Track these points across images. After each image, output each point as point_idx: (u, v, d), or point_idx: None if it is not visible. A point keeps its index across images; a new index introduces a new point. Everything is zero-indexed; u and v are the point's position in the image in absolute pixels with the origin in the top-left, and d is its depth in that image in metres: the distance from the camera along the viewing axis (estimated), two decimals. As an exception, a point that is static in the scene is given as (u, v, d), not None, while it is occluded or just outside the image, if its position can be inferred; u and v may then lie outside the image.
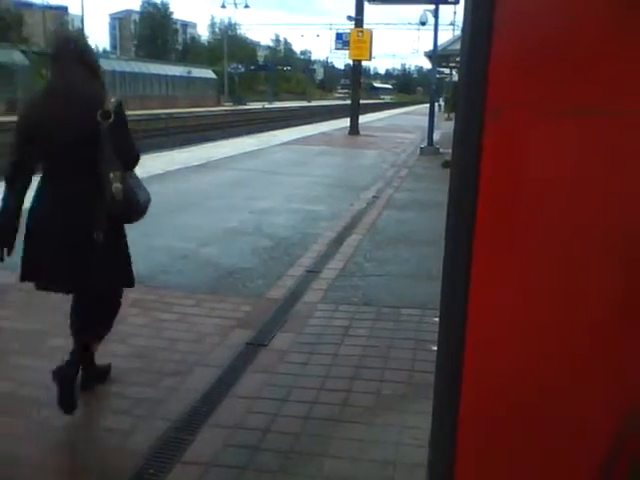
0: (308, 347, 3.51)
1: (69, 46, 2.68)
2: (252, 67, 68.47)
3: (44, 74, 35.14)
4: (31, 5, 63.71)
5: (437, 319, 3.74)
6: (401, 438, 2.61)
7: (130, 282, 2.95)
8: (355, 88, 22.10)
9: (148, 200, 2.82)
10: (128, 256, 2.91)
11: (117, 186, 2.55)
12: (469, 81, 1.31)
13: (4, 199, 2.68)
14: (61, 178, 2.66)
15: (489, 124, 1.29)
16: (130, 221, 2.82)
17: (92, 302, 2.89)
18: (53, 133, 2.57)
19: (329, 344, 3.56)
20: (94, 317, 2.91)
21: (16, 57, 30.36)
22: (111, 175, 2.55)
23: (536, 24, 1.25)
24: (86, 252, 2.63)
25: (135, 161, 2.82)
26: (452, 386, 1.47)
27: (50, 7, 53.89)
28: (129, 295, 4.24)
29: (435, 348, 3.22)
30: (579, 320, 1.35)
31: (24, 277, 2.76)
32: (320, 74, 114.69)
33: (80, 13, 43.58)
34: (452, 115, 28.90)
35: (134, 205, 2.69)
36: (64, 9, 73.08)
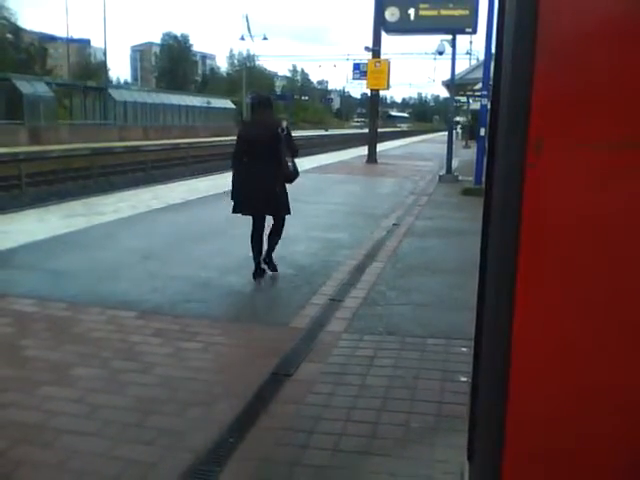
0: (334, 377, 3.47)
1: (262, 100, 5.83)
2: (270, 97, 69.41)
3: (66, 105, 36.03)
4: (55, 38, 65.55)
5: (465, 349, 3.70)
6: (432, 472, 2.54)
7: (289, 211, 5.73)
8: (373, 117, 22.25)
9: (298, 173, 5.75)
10: (288, 199, 5.66)
11: (290, 164, 5.53)
12: (511, 113, 1.30)
13: (234, 173, 5.59)
14: (253, 162, 5.43)
15: (531, 155, 1.28)
16: (291, 182, 5.68)
17: (277, 223, 5.71)
18: (253, 141, 5.44)
19: (355, 374, 3.52)
20: (278, 231, 5.74)
21: (40, 88, 31.06)
22: (287, 159, 5.49)
23: (579, 56, 1.24)
24: (271, 196, 5.50)
25: (296, 152, 5.75)
26: (495, 422, 1.43)
27: (73, 40, 55.31)
28: (153, 325, 4.27)
29: (464, 379, 3.17)
30: (622, 349, 1.32)
31: (234, 211, 5.62)
32: (337, 103, 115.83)
33: (103, 46, 44.61)
34: (470, 142, 28.96)
35: (295, 173, 5.65)
36: (87, 42, 75.00)
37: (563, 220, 1.32)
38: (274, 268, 5.71)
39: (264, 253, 5.65)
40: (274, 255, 5.74)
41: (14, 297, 4.78)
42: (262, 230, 5.69)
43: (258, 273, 5.57)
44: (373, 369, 3.61)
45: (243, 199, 5.52)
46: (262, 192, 5.45)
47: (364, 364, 3.67)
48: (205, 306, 4.76)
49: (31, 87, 30.31)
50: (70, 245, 6.76)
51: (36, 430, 2.86)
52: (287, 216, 5.74)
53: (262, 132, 5.44)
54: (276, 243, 5.70)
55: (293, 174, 5.61)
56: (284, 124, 5.59)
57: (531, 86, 1.25)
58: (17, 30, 51.11)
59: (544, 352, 1.38)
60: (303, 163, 19.27)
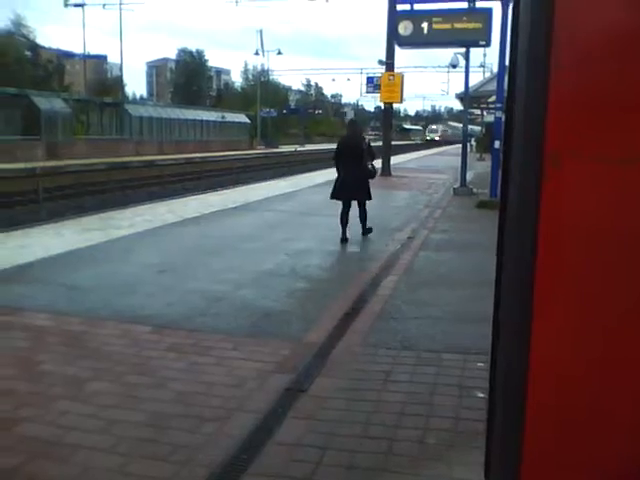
0: (348, 393, 3.44)
1: (353, 123, 10.24)
2: (284, 111, 69.74)
3: (83, 120, 36.48)
4: (72, 55, 66.57)
5: (481, 364, 3.64)
6: (449, 491, 2.50)
7: (370, 197, 8.34)
8: (386, 130, 22.28)
9: (376, 171, 8.63)
10: (369, 189, 8.26)
11: (371, 167, 8.30)
12: (526, 127, 1.29)
13: (339, 174, 8.28)
14: (347, 165, 8.11)
15: (548, 171, 1.26)
16: (372, 178, 8.39)
17: (362, 207, 8.27)
18: (347, 150, 8.18)
19: (370, 390, 3.49)
20: (364, 213, 8.35)
21: (57, 104, 31.50)
22: (369, 163, 8.23)
23: (594, 70, 1.23)
24: (361, 187, 8.17)
25: (373, 158, 8.41)
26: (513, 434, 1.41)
27: (90, 56, 56.08)
28: (167, 339, 4.28)
29: (482, 395, 3.13)
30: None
31: (332, 197, 8.33)
32: (351, 116, 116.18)
33: (119, 62, 45.17)
34: (484, 155, 28.87)
35: (374, 172, 8.44)
36: (104, 58, 76.09)
37: (580, 233, 1.30)
38: (370, 230, 8.53)
39: (354, 228, 8.43)
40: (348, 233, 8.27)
41: (30, 311, 4.81)
42: (348, 210, 8.27)
43: (343, 240, 8.11)
44: (388, 384, 3.57)
45: (340, 189, 8.23)
46: (353, 184, 8.14)
47: (379, 379, 3.64)
48: (219, 320, 4.75)
49: (48, 103, 30.75)
50: (86, 260, 6.81)
51: (51, 445, 2.86)
52: (294, 233, 7.96)
53: (353, 144, 8.27)
54: (365, 218, 8.43)
55: (373, 172, 8.43)
56: (367, 139, 8.83)
57: (546, 101, 1.24)
58: (35, 47, 51.98)
59: (562, 368, 1.36)
60: (316, 178, 19.36)
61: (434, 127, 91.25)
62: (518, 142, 1.32)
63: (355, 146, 8.16)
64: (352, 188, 8.12)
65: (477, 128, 43.36)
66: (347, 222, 8.17)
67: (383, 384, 3.58)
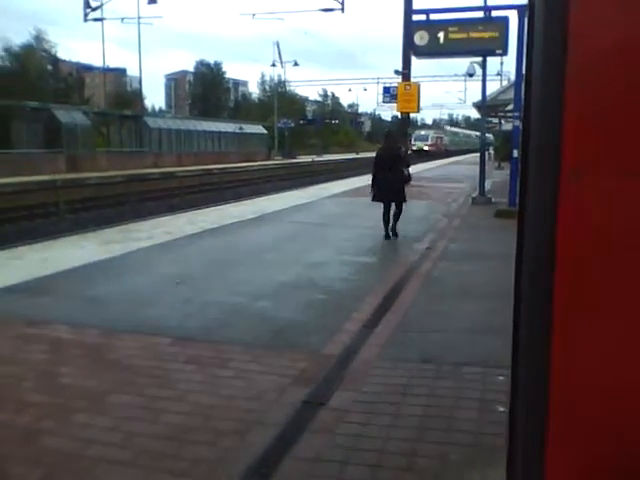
0: (367, 406, 3.42)
1: (391, 133, 11.52)
2: (301, 121, 69.99)
3: (103, 133, 36.96)
4: (92, 68, 67.60)
5: (502, 378, 3.60)
6: (471, 507, 2.47)
7: (405, 200, 9.50)
8: (404, 140, 22.25)
9: (411, 177, 9.82)
10: (405, 193, 9.46)
11: (406, 173, 9.47)
12: (543, 140, 1.28)
13: (374, 177, 9.56)
14: (386, 172, 9.20)
15: (565, 184, 1.25)
16: (407, 183, 9.58)
17: (398, 207, 9.35)
18: (385, 159, 9.35)
19: (389, 403, 3.46)
20: (399, 214, 9.40)
21: (78, 117, 31.94)
22: (404, 169, 9.41)
23: (612, 83, 1.21)
24: (398, 191, 9.29)
25: (409, 165, 9.86)
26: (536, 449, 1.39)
27: (110, 69, 56.91)
28: (187, 351, 4.29)
29: (502, 409, 3.08)
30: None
31: (373, 200, 9.58)
32: (367, 126, 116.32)
33: (138, 74, 45.76)
34: (503, 164, 28.71)
35: (409, 177, 9.60)
36: (123, 71, 77.16)
37: (599, 247, 1.28)
38: (396, 235, 9.39)
39: (391, 225, 9.36)
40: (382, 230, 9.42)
41: (52, 323, 4.86)
42: (389, 211, 9.35)
43: (386, 237, 9.26)
44: (408, 398, 3.54)
45: (379, 193, 9.37)
46: (391, 189, 9.24)
47: (398, 392, 3.61)
48: (238, 332, 4.76)
49: (69, 116, 31.19)
50: (106, 271, 6.87)
51: (72, 458, 2.87)
52: (312, 244, 8.47)
53: (390, 152, 9.46)
54: (397, 220, 9.41)
55: (408, 178, 9.59)
56: (402, 149, 10.38)
57: (562, 114, 1.22)
58: (56, 61, 52.86)
59: (584, 383, 1.34)
60: (333, 188, 19.39)
61: (423, 133, 67.52)
62: (535, 155, 1.30)
63: (392, 155, 9.37)
64: (390, 192, 9.28)
65: (487, 136, 41.79)
66: (388, 221, 9.38)
67: (403, 397, 3.55)
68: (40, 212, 17.66)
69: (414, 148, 56.31)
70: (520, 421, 1.51)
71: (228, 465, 2.83)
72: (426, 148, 59.96)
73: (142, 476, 2.75)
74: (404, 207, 9.57)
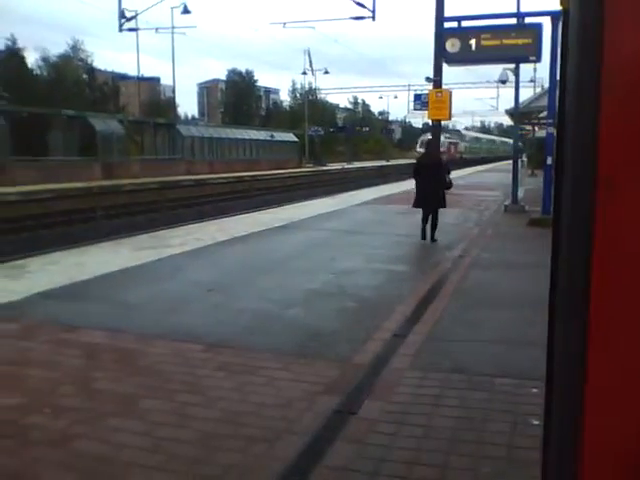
0: (398, 417, 3.39)
1: (432, 141, 13.74)
2: (331, 129, 70.10)
3: (137, 141, 37.61)
4: (127, 77, 68.94)
5: (536, 390, 3.53)
6: (504, 522, 2.42)
7: (445, 206, 10.03)
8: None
9: (452, 184, 10.23)
10: (445, 198, 9.90)
11: (448, 180, 9.96)
12: (578, 147, 1.25)
13: (417, 186, 10.03)
14: (426, 179, 9.69)
15: (601, 194, 1.22)
16: (448, 189, 10.01)
17: (436, 213, 9.79)
18: (426, 166, 9.85)
19: (420, 414, 3.42)
20: (436, 218, 9.85)
21: (113, 126, 32.56)
22: (447, 176, 9.92)
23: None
24: (438, 197, 9.75)
25: (449, 172, 10.14)
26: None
27: (144, 78, 57.92)
28: (217, 358, 4.32)
29: (537, 422, 3.03)
30: None
31: (414, 206, 10.00)
32: (398, 133, 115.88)
33: (172, 83, 46.47)
34: (536, 171, 28.31)
35: (450, 184, 10.02)
36: (157, 80, 78.42)
37: (637, 256, 1.25)
38: (435, 239, 9.80)
39: (430, 234, 9.85)
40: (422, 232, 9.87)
41: (85, 328, 4.95)
42: (428, 215, 9.83)
43: (423, 237, 9.80)
44: (439, 409, 3.50)
45: (420, 199, 9.86)
46: (431, 195, 9.69)
47: (429, 403, 3.57)
48: (268, 339, 4.77)
49: (104, 124, 31.81)
50: (139, 277, 6.97)
51: (104, 463, 2.91)
52: (342, 251, 8.71)
53: (431, 160, 9.97)
54: (437, 224, 9.88)
55: (449, 184, 9.99)
56: (444, 157, 10.16)
57: (597, 120, 1.20)
58: (92, 70, 54.04)
59: (620, 397, 1.31)
60: (362, 195, 19.36)
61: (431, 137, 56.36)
62: (570, 162, 1.28)
63: (433, 162, 9.87)
64: (430, 198, 9.77)
65: (503, 140, 38.36)
66: (427, 223, 9.90)
67: (433, 408, 3.51)
68: (76, 218, 18.03)
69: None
70: (555, 435, 1.48)
71: (258, 472, 2.83)
72: None
73: (173, 482, 2.77)
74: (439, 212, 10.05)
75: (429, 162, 9.85)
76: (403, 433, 3.19)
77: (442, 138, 61.16)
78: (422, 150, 48.59)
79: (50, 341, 4.66)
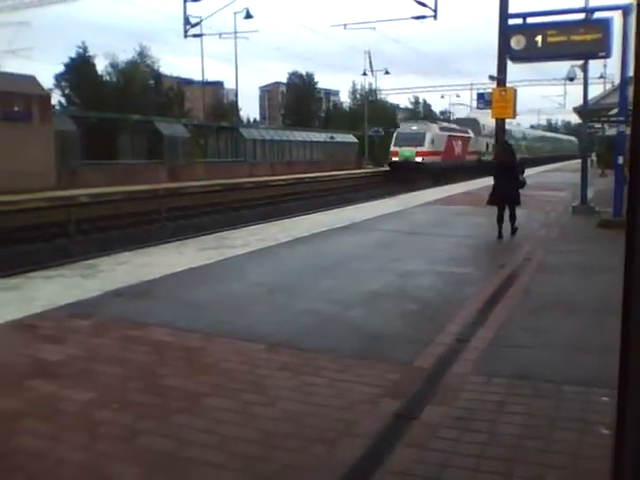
0: (460, 422, 3.33)
1: (507, 144, 11.71)
2: (392, 129, 69.63)
3: (201, 144, 38.50)
4: (191, 82, 70.65)
5: (606, 399, 3.41)
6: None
7: (520, 203, 10.59)
8: (498, 146, 21.62)
9: (525, 182, 10.77)
10: (519, 196, 10.49)
11: (522, 178, 10.60)
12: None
13: (495, 184, 10.65)
14: (502, 178, 10.38)
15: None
16: (522, 187, 10.60)
17: (513, 210, 10.37)
18: (502, 166, 10.53)
19: (483, 420, 3.36)
20: (514, 216, 10.46)
21: (178, 130, 33.47)
22: (520, 175, 10.54)
23: None
24: (513, 195, 10.37)
25: (523, 172, 10.85)
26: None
27: (208, 83, 59.10)
28: (279, 358, 4.37)
29: (606, 432, 2.92)
30: None
31: (488, 204, 10.75)
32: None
33: (234, 87, 47.29)
34: (607, 171, 27.23)
35: (524, 183, 10.64)
36: (220, 84, 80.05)
37: None
38: (516, 229, 10.46)
39: (511, 228, 10.38)
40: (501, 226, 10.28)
41: (152, 326, 5.11)
42: (503, 213, 10.29)
43: (500, 236, 10.12)
44: (503, 415, 3.42)
45: (496, 197, 10.46)
46: (506, 193, 10.29)
47: (493, 410, 3.49)
48: (329, 341, 4.79)
49: (170, 128, 32.75)
50: (204, 277, 7.13)
51: (169, 458, 2.99)
52: (403, 253, 8.76)
53: (506, 161, 10.54)
54: (515, 220, 10.44)
55: (522, 183, 10.54)
56: (518, 157, 11.48)
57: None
58: (158, 76, 55.55)
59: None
60: (423, 196, 19.14)
61: (414, 128, 40.01)
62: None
63: (508, 162, 10.49)
64: (505, 196, 10.32)
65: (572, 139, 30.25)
66: (502, 222, 10.28)
67: (497, 415, 3.43)
68: (144, 219, 18.64)
69: (395, 159, 37.42)
70: (627, 445, 1.42)
71: (318, 474, 2.85)
72: (418, 159, 36.87)
73: (234, 478, 2.82)
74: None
75: (505, 162, 10.48)
76: (465, 439, 3.14)
77: (434, 128, 39.49)
78: (404, 151, 36.30)
79: (119, 338, 4.83)
